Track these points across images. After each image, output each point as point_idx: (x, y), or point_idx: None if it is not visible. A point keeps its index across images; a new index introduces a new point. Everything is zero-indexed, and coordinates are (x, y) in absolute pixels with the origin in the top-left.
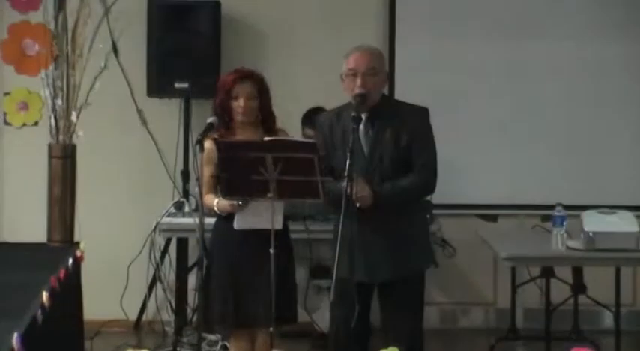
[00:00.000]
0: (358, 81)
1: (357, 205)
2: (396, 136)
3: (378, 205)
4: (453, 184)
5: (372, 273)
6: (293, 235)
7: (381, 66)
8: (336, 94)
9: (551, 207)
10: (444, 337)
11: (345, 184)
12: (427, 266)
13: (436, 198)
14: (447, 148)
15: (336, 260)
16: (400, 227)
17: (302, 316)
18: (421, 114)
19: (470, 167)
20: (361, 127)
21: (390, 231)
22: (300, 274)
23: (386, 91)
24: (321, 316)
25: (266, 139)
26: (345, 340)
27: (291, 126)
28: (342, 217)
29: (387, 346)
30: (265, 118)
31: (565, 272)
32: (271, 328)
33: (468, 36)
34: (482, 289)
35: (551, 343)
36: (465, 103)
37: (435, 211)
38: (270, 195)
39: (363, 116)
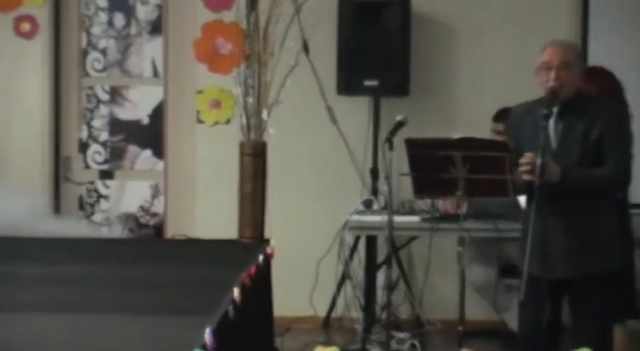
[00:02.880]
0: (552, 74)
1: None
2: (586, 130)
3: (564, 185)
4: None
5: (552, 270)
6: (482, 234)
7: (575, 61)
8: (525, 92)
9: None
10: None
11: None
12: (615, 268)
13: (633, 197)
14: None
15: (527, 258)
16: (586, 225)
17: (492, 315)
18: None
19: None
20: (551, 121)
21: (576, 229)
22: (490, 273)
23: None
24: (511, 316)
25: (456, 137)
26: (535, 341)
27: (480, 122)
28: (532, 213)
29: (578, 347)
30: None
31: None
32: (460, 328)
33: None
34: None
35: None
36: None
37: (631, 211)
38: (458, 193)
39: (555, 110)
